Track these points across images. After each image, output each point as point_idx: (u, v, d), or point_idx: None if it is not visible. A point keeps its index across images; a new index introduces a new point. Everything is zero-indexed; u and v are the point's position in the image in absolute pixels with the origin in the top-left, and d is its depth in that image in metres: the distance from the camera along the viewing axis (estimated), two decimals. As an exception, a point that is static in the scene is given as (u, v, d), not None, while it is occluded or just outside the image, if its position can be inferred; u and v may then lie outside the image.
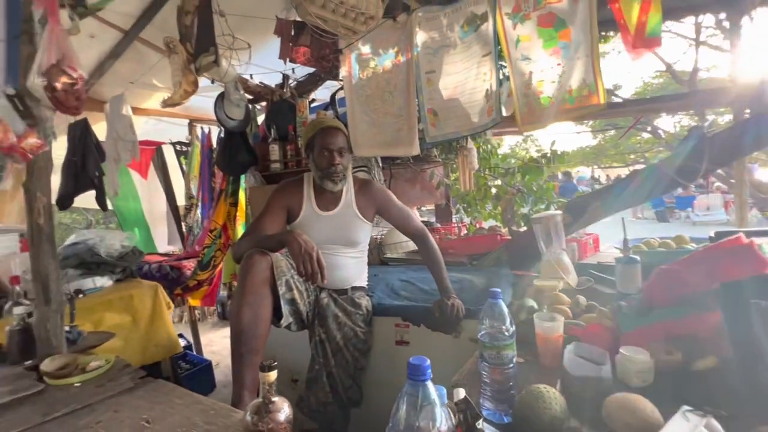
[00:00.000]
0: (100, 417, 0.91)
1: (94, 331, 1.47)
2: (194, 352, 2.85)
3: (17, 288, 1.23)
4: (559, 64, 1.44)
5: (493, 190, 2.30)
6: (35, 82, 1.07)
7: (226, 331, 3.71)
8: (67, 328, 1.28)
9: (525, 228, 2.14)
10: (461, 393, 0.60)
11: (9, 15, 1.73)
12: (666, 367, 0.89)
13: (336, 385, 1.38)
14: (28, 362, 1.17)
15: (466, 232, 2.51)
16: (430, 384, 0.49)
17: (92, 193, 2.58)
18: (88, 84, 2.98)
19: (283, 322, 1.30)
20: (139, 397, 0.99)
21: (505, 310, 0.81)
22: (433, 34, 1.61)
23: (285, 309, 1.29)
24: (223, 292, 3.43)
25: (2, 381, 1.08)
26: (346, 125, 1.56)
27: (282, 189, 1.51)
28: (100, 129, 2.82)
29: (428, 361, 0.48)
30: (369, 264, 1.68)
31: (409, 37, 1.65)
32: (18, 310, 1.20)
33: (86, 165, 2.21)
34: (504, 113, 1.57)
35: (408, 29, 1.65)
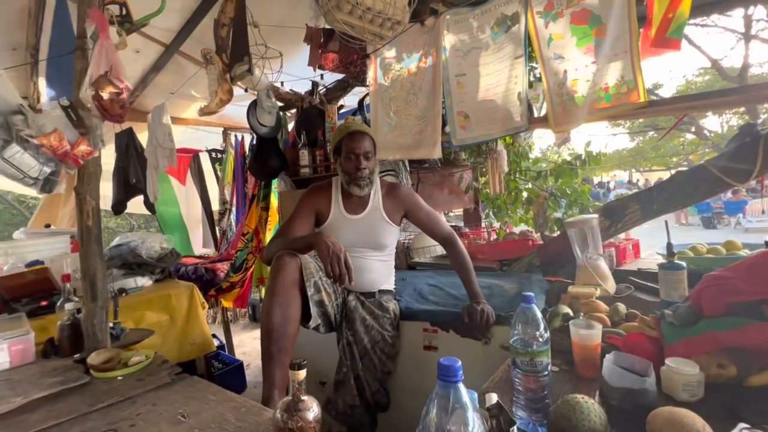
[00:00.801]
0: (140, 409, 0.95)
1: (135, 328, 1.55)
2: (227, 353, 2.94)
3: (68, 285, 1.32)
4: (593, 62, 1.38)
5: (524, 194, 2.23)
6: (86, 92, 1.15)
7: (257, 333, 3.80)
8: (111, 325, 1.35)
9: (558, 233, 2.06)
10: (493, 398, 0.58)
11: (61, 32, 1.88)
12: (718, 381, 0.82)
13: (363, 388, 1.38)
14: (77, 355, 1.24)
15: (495, 237, 2.46)
16: (462, 386, 0.47)
17: (139, 198, 2.74)
18: (133, 96, 3.19)
19: (312, 323, 1.32)
20: (175, 392, 1.03)
21: (539, 315, 0.78)
22: (463, 36, 1.60)
23: (313, 310, 1.31)
24: (254, 295, 3.52)
25: (54, 372, 1.16)
26: None
27: (311, 192, 1.54)
28: (144, 138, 3.00)
29: (459, 362, 0.47)
30: (396, 268, 1.68)
31: (436, 40, 1.65)
32: (68, 306, 1.28)
33: (134, 171, 2.34)
34: (534, 114, 1.52)
35: (435, 32, 1.64)
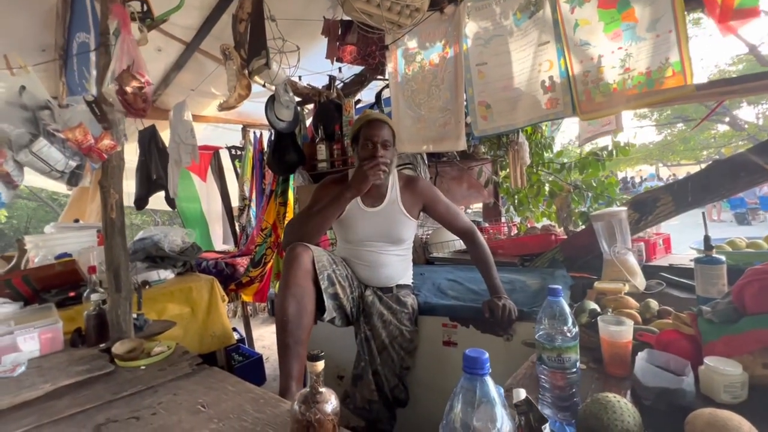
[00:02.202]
0: (161, 398, 0.96)
1: (157, 320, 1.58)
2: (247, 346, 2.98)
3: (94, 277, 1.35)
4: (620, 48, 1.32)
5: (547, 188, 2.16)
6: (109, 87, 1.17)
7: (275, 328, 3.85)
8: (134, 316, 1.38)
9: (583, 227, 1.99)
10: (522, 393, 0.55)
11: (71, 30, 1.92)
12: (763, 382, 0.76)
13: (382, 383, 1.36)
14: (102, 345, 1.27)
15: (516, 231, 2.40)
16: (489, 379, 0.44)
17: (161, 194, 2.81)
18: (156, 94, 3.26)
19: (327, 315, 1.31)
20: (196, 382, 1.04)
21: (567, 309, 0.75)
22: (485, 23, 1.54)
23: (328, 303, 1.30)
24: (272, 290, 3.57)
25: (81, 360, 1.19)
26: None
27: (326, 184, 1.52)
28: (166, 136, 3.07)
29: (486, 354, 0.44)
30: (414, 263, 1.65)
31: (456, 28, 1.60)
32: (94, 297, 1.31)
33: (155, 168, 2.39)
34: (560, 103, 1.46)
35: (456, 20, 1.60)
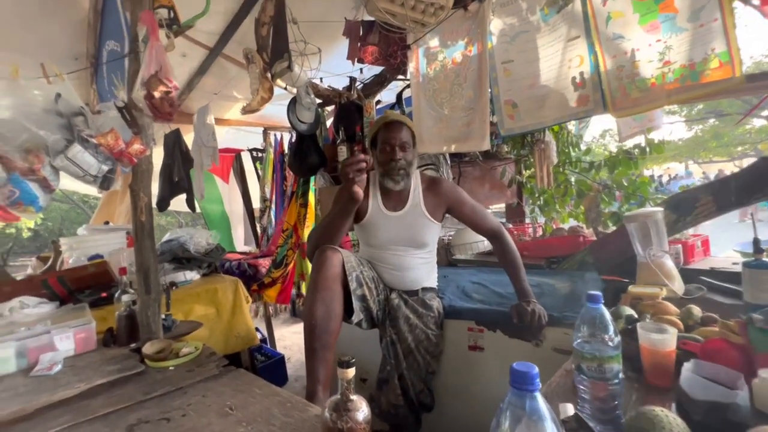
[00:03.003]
0: (190, 400, 0.97)
1: (184, 320, 1.61)
2: (269, 346, 3.01)
3: (124, 278, 1.38)
4: (659, 40, 1.25)
5: (574, 187, 2.09)
6: (138, 92, 1.19)
7: (297, 327, 3.88)
8: (163, 316, 1.40)
9: (613, 228, 1.91)
10: (569, 409, 0.52)
11: (102, 39, 1.97)
12: (828, 398, 0.70)
13: (407, 388, 1.34)
14: (133, 345, 1.30)
15: (541, 233, 2.33)
16: (539, 396, 0.41)
17: (182, 197, 2.87)
18: (180, 99, 3.34)
19: (354, 318, 1.30)
20: (223, 384, 1.04)
21: (608, 316, 0.71)
22: (511, 20, 1.50)
23: (356, 305, 1.29)
24: (293, 290, 3.60)
25: (113, 360, 1.22)
26: None
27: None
28: (190, 140, 3.15)
29: (536, 369, 0.41)
30: (437, 265, 1.62)
31: (481, 25, 1.56)
32: (125, 298, 1.34)
33: (178, 170, 2.45)
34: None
35: (480, 17, 1.56)
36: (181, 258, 1.95)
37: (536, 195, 2.43)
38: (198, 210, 3.78)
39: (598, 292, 0.72)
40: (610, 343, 0.68)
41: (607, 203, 1.98)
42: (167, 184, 2.51)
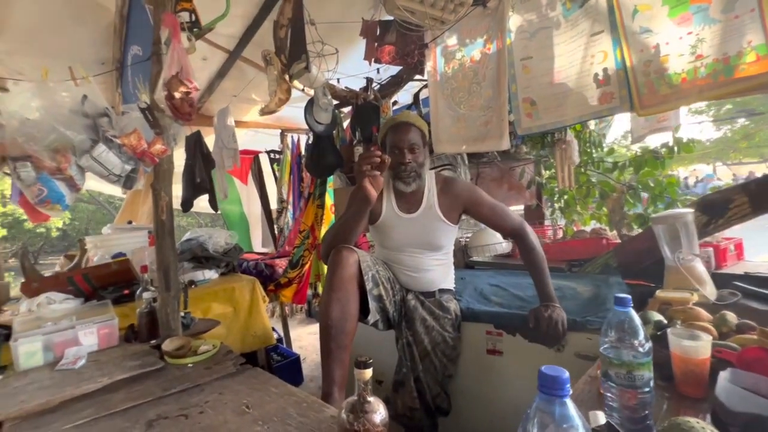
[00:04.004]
0: (208, 397, 0.97)
1: (203, 318, 1.63)
2: (285, 346, 3.03)
3: (146, 276, 1.41)
4: (689, 33, 1.20)
5: (597, 188, 2.02)
6: (160, 93, 1.21)
7: (312, 328, 3.89)
8: (182, 314, 1.42)
9: (638, 230, 1.84)
10: (600, 417, 0.49)
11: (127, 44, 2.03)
12: None
13: (423, 391, 1.32)
14: (153, 341, 1.32)
15: (562, 235, 2.27)
16: (570, 402, 0.39)
17: (205, 197, 2.93)
18: (200, 102, 3.42)
19: (370, 318, 1.28)
20: (240, 382, 1.05)
21: (638, 320, 0.67)
22: (530, 16, 1.47)
23: (372, 305, 1.27)
24: (309, 291, 3.62)
25: (134, 356, 1.24)
26: (429, 124, 1.49)
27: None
28: (210, 142, 3.21)
29: (567, 373, 0.39)
30: (454, 267, 1.59)
31: (500, 22, 1.54)
32: (146, 295, 1.37)
33: (199, 172, 2.50)
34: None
35: (499, 14, 1.53)
36: (200, 257, 1.98)
37: (556, 196, 2.37)
38: (219, 211, 3.86)
39: (626, 295, 0.69)
40: (641, 349, 0.65)
41: (632, 205, 1.91)
42: (190, 186, 2.56)
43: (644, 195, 1.84)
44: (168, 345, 1.22)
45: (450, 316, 1.37)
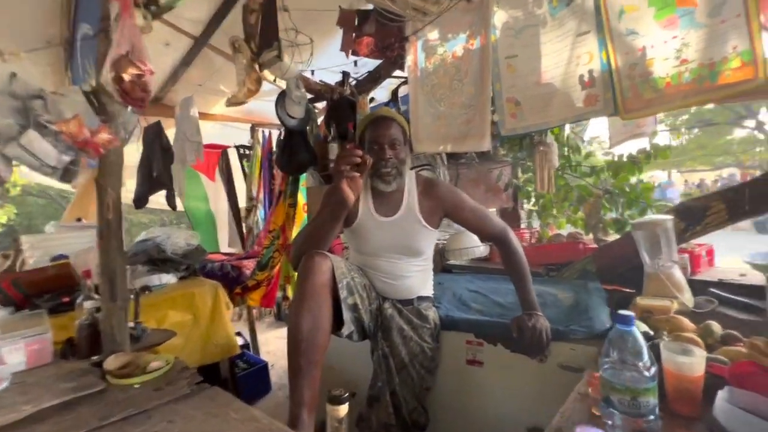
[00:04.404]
0: (155, 426, 0.84)
1: (157, 329, 1.47)
2: (251, 352, 2.87)
3: (89, 282, 1.24)
4: (675, 37, 1.18)
5: (575, 192, 2.01)
6: (107, 74, 1.06)
7: (282, 332, 3.73)
8: (132, 325, 1.26)
9: (615, 235, 1.84)
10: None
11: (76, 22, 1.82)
12: None
13: (400, 405, 1.23)
14: (95, 358, 1.16)
15: (537, 238, 2.25)
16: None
17: (164, 193, 2.71)
18: (162, 91, 3.18)
19: (345, 330, 1.18)
20: (194, 406, 0.92)
21: (642, 341, 0.61)
22: (516, 12, 1.41)
23: (347, 316, 1.17)
24: (279, 293, 3.46)
25: (69, 375, 1.07)
26: (408, 122, 1.41)
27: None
28: (172, 135, 2.99)
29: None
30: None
31: (484, 18, 1.47)
32: (88, 305, 1.20)
33: (157, 166, 2.30)
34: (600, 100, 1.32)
35: (484, 9, 1.47)
36: (157, 260, 1.81)
37: (533, 200, 2.35)
38: (181, 208, 3.62)
39: (630, 313, 0.62)
40: (646, 373, 0.58)
41: (608, 209, 1.91)
42: (145, 181, 2.35)
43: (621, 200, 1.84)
44: (111, 362, 1.07)
45: (429, 326, 1.30)
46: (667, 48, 1.18)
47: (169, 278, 1.78)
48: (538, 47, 1.40)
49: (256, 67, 1.84)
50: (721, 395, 0.70)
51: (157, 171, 2.29)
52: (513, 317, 1.22)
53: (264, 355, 3.02)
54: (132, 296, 1.37)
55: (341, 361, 1.55)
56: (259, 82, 1.88)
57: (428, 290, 1.41)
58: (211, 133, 3.74)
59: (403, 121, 1.32)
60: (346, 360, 1.53)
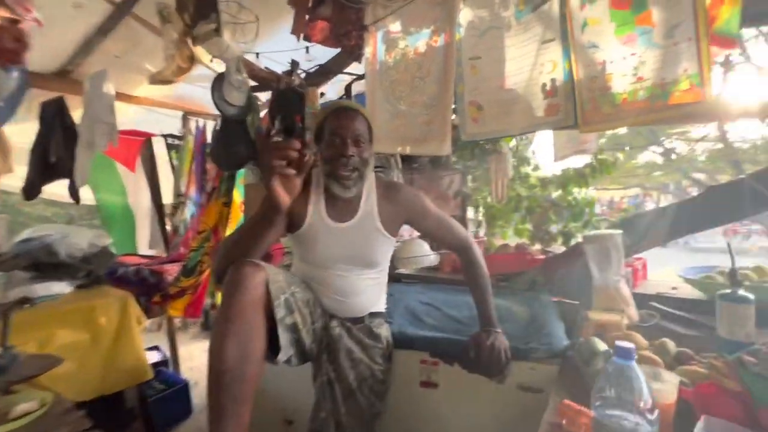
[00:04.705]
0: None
1: (36, 354, 1.15)
2: (171, 369, 2.51)
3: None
4: (633, 54, 1.19)
5: (524, 203, 2.04)
6: (-35, 16, 0.78)
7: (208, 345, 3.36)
8: (-4, 352, 0.96)
9: (561, 247, 1.88)
10: None
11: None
12: None
13: (346, 437, 1.08)
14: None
15: (485, 248, 2.25)
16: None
17: (65, 183, 2.27)
18: (72, 63, 2.70)
19: (282, 356, 0.98)
20: (73, 468, 0.69)
21: (642, 376, 0.53)
22: (482, 12, 1.36)
23: (284, 339, 0.98)
24: (207, 300, 3.11)
25: None
26: None
27: None
28: (79, 116, 2.53)
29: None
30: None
31: (450, 14, 1.40)
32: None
33: (56, 150, 1.90)
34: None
35: (450, 5, 1.40)
36: (46, 264, 1.45)
37: (482, 209, 2.35)
38: (92, 201, 3.11)
39: (630, 345, 0.55)
40: (648, 416, 0.51)
41: (554, 221, 1.94)
42: (39, 166, 1.92)
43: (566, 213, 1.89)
44: (-48, 409, 0.78)
45: (381, 345, 1.16)
46: (626, 64, 1.19)
47: (60, 288, 1.43)
48: (502, 50, 1.35)
49: (189, 42, 1.58)
50: (700, 426, 0.65)
51: (55, 156, 1.88)
52: (471, 334, 1.14)
53: (186, 372, 2.67)
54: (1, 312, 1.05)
55: (275, 386, 1.35)
56: (191, 59, 1.62)
57: (381, 305, 1.27)
58: (133, 118, 3.27)
59: (370, 117, 1.17)
60: (279, 384, 1.34)
